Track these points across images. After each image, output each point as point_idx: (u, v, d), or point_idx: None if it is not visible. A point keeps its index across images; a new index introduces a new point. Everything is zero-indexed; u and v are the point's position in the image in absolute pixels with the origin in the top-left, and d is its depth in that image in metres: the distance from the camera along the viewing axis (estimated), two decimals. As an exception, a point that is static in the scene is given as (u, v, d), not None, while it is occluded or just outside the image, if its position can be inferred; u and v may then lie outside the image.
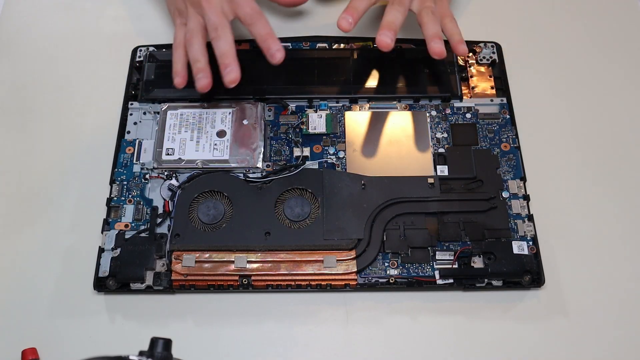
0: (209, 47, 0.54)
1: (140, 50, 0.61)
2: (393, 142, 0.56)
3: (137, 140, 0.56)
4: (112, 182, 0.54)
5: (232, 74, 0.52)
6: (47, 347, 0.49)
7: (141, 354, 0.35)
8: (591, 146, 0.58)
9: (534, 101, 0.60)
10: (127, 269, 0.50)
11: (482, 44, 0.61)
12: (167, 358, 0.35)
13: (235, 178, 0.53)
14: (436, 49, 0.54)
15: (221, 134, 0.55)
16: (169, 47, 0.61)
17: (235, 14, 0.54)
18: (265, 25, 0.53)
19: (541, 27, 0.65)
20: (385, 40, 0.53)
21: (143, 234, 0.52)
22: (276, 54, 0.52)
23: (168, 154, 0.54)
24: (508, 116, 0.57)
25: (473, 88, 0.59)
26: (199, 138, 0.55)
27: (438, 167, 0.54)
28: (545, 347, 0.49)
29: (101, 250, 0.51)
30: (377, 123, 0.57)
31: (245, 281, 0.50)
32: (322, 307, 0.51)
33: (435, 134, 0.56)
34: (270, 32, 0.53)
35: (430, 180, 0.53)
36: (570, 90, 0.61)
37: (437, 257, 0.51)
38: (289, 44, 0.61)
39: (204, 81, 0.52)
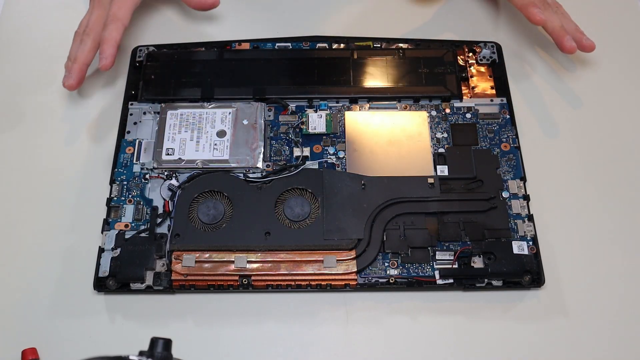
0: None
1: (140, 50, 0.61)
2: (393, 142, 0.56)
3: (137, 140, 0.56)
4: (112, 182, 0.54)
5: (67, 80, 0.56)
6: (47, 347, 0.49)
7: (141, 354, 0.35)
8: (591, 146, 0.58)
9: (534, 101, 0.60)
10: (127, 269, 0.50)
11: (482, 44, 0.61)
12: (167, 358, 0.35)
13: (235, 178, 0.53)
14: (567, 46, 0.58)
15: (221, 134, 0.55)
16: (169, 47, 0.62)
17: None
18: (112, 31, 0.55)
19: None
20: (573, 44, 0.58)
21: (143, 234, 0.52)
22: (102, 60, 0.55)
23: (168, 154, 0.54)
24: (508, 116, 0.57)
25: (473, 88, 0.59)
26: (199, 138, 0.55)
27: (438, 167, 0.54)
28: (545, 347, 0.49)
29: (101, 250, 0.51)
30: (377, 123, 0.57)
31: (245, 281, 0.50)
32: (322, 307, 0.51)
33: (435, 134, 0.56)
34: (112, 38, 0.55)
35: (430, 180, 0.53)
36: (570, 90, 0.61)
37: (437, 257, 0.50)
38: (289, 44, 0.61)
39: (68, 81, 0.56)
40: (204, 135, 0.55)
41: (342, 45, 0.61)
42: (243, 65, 0.60)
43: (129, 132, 0.57)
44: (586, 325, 0.50)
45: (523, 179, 0.54)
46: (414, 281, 0.50)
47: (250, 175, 0.54)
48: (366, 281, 0.50)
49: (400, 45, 0.61)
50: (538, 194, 0.54)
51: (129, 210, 0.53)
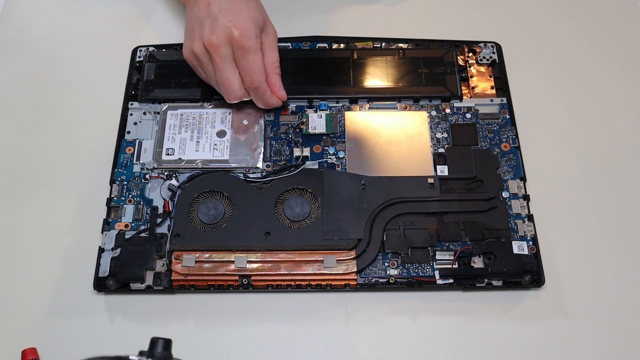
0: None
1: (140, 50, 0.61)
2: (393, 142, 0.56)
3: (137, 140, 0.56)
4: (112, 182, 0.54)
5: (278, 98, 0.55)
6: (47, 347, 0.49)
7: (141, 354, 0.35)
8: (591, 146, 0.58)
9: (534, 101, 0.60)
10: (127, 269, 0.50)
11: (482, 44, 0.61)
12: (167, 358, 0.35)
13: (235, 178, 0.53)
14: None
15: (221, 134, 0.55)
16: (168, 47, 0.61)
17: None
18: (263, 97, 0.54)
19: (541, 27, 0.65)
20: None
21: (143, 234, 0.52)
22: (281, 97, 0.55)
23: (168, 154, 0.54)
24: (508, 116, 0.57)
25: (473, 88, 0.59)
26: (199, 138, 0.55)
27: (438, 167, 0.54)
28: (545, 347, 0.49)
29: (101, 250, 0.51)
30: (377, 123, 0.57)
31: (245, 281, 0.50)
32: (322, 307, 0.51)
33: (435, 134, 0.56)
34: (271, 102, 0.54)
35: (430, 180, 0.53)
36: (570, 90, 0.61)
37: (437, 257, 0.51)
38: (289, 44, 0.61)
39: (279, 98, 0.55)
40: (204, 135, 0.55)
41: (342, 45, 0.61)
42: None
43: (129, 132, 0.57)
44: (586, 325, 0.50)
45: (523, 179, 0.54)
46: (414, 281, 0.50)
47: (250, 175, 0.54)
48: (366, 281, 0.50)
49: (400, 45, 0.61)
50: (538, 194, 0.54)
51: (129, 210, 0.53)
